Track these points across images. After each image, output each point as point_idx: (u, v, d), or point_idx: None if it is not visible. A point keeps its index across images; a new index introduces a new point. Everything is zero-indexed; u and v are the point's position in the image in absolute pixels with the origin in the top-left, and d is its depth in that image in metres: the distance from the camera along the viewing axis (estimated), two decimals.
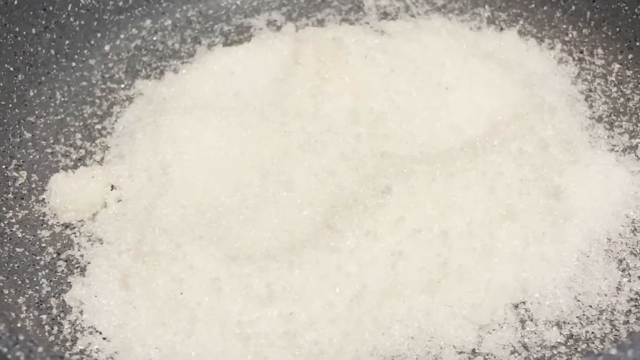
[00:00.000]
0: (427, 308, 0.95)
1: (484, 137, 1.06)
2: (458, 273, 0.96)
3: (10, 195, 1.09)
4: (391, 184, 0.99)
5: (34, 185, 1.10)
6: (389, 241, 0.96)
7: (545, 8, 1.28)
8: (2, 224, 1.05)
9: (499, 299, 0.96)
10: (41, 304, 0.98)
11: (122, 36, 1.29)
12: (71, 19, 1.23)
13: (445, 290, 0.96)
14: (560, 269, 0.98)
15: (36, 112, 1.18)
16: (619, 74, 1.19)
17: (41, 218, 1.07)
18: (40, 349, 0.72)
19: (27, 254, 1.03)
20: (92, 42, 1.26)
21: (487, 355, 0.92)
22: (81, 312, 0.97)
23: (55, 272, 1.01)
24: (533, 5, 1.29)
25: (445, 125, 1.10)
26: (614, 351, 0.71)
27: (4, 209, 1.07)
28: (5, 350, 0.72)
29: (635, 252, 1.00)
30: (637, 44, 1.18)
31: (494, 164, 1.02)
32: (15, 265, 1.02)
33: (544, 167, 1.03)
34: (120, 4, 1.28)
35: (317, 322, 0.92)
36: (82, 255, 1.03)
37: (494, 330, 0.94)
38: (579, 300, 0.96)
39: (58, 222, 1.07)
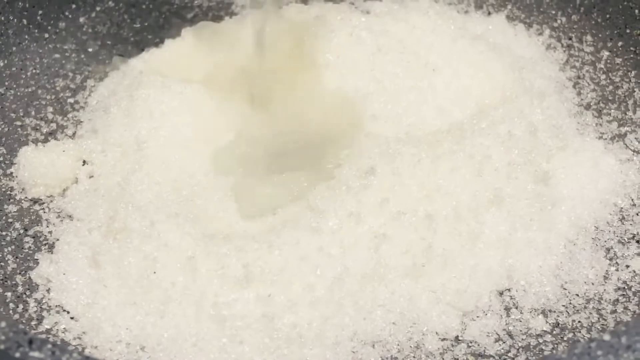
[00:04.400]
0: (410, 293, 0.92)
1: (472, 120, 1.03)
2: (442, 258, 0.93)
3: None
4: (375, 164, 0.96)
5: (1, 159, 1.06)
6: (373, 223, 0.93)
7: None
8: None
9: (484, 285, 0.93)
10: (6, 281, 0.93)
11: (98, 9, 1.24)
12: None
13: (429, 275, 0.92)
14: (546, 256, 0.95)
15: (6, 83, 1.13)
16: (608, 61, 1.16)
17: (8, 192, 1.03)
18: (3, 324, 0.68)
19: None
20: (67, 14, 1.21)
21: (471, 342, 0.89)
22: (48, 290, 0.92)
23: (22, 248, 0.97)
24: None
25: (432, 107, 1.06)
26: (607, 337, 0.68)
27: None
28: None
29: (623, 240, 0.98)
30: (627, 31, 1.16)
31: (482, 146, 0.99)
32: None
33: (532, 151, 1.00)
34: None
35: (296, 304, 0.88)
36: (50, 232, 0.98)
37: (478, 317, 0.91)
38: (565, 289, 0.93)
39: (26, 197, 1.02)
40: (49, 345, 0.66)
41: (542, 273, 0.94)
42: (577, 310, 0.92)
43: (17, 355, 0.65)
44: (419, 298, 0.91)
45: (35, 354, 0.65)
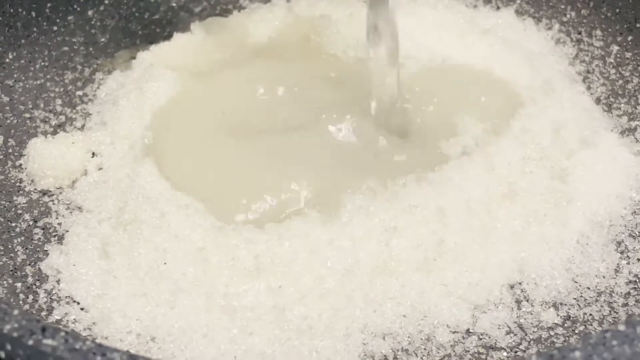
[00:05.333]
0: (421, 286, 0.91)
1: None
2: (454, 252, 0.92)
3: None
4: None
5: (10, 151, 1.05)
6: (383, 216, 0.93)
7: None
8: None
9: (495, 279, 0.92)
10: (16, 272, 0.93)
11: (106, 2, 1.23)
12: None
13: (440, 269, 0.92)
14: (559, 250, 0.94)
15: (15, 75, 1.13)
16: (618, 55, 1.16)
17: (18, 184, 1.02)
18: (16, 312, 0.68)
19: (2, 220, 0.98)
20: (75, 6, 1.20)
21: (482, 335, 0.89)
22: (58, 281, 0.92)
23: (32, 239, 0.97)
24: None
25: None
26: (622, 327, 0.67)
27: None
28: None
29: (634, 234, 0.98)
30: (637, 25, 1.16)
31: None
32: None
33: (547, 146, 0.99)
34: None
35: (307, 296, 0.88)
36: (60, 223, 0.98)
37: (489, 310, 0.91)
38: (576, 282, 0.93)
39: (35, 189, 1.02)
40: (62, 333, 0.66)
41: (553, 267, 0.94)
42: (589, 303, 0.91)
43: (31, 342, 0.65)
44: (430, 291, 0.91)
45: (49, 341, 0.65)
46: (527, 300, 0.92)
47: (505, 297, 0.92)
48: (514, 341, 0.88)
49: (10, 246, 0.96)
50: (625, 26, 1.17)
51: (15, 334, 0.66)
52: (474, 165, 0.96)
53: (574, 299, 0.92)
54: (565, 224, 0.96)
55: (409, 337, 0.89)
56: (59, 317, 0.89)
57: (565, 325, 0.90)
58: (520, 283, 0.93)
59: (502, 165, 0.96)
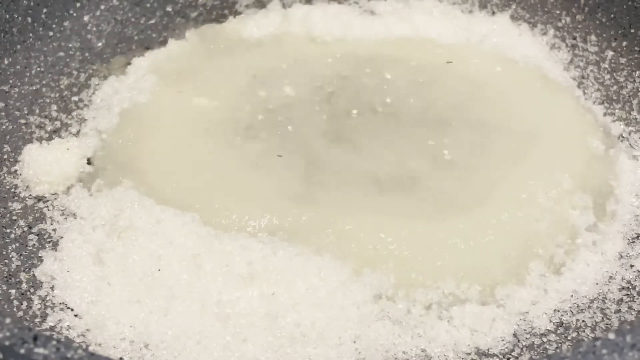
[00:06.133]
0: (420, 313, 0.90)
1: None
2: (466, 297, 0.91)
3: None
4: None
5: (6, 156, 1.06)
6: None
7: None
8: None
9: (507, 310, 0.91)
10: (10, 278, 0.93)
11: (102, 7, 1.24)
12: None
13: (447, 306, 0.90)
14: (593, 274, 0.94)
15: (10, 81, 1.13)
16: (613, 61, 1.16)
17: (13, 190, 1.03)
18: (8, 320, 0.68)
19: None
20: (71, 12, 1.21)
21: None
22: (52, 288, 0.92)
23: (26, 246, 0.97)
24: None
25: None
26: (612, 336, 0.68)
27: None
28: None
29: (627, 239, 0.98)
30: (632, 31, 1.16)
31: None
32: None
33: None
34: None
35: (299, 303, 0.88)
36: (54, 230, 0.98)
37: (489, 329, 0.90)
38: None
39: (30, 195, 1.02)
40: (54, 342, 0.66)
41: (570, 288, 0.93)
42: (581, 309, 0.91)
43: (22, 351, 0.65)
44: (429, 316, 0.90)
45: (40, 350, 0.65)
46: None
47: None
48: (506, 348, 0.88)
49: (4, 252, 0.96)
50: (620, 31, 1.17)
51: (7, 343, 0.66)
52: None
53: (567, 305, 0.92)
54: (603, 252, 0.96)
55: (403, 351, 0.88)
56: (52, 324, 0.89)
57: (558, 331, 0.90)
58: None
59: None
